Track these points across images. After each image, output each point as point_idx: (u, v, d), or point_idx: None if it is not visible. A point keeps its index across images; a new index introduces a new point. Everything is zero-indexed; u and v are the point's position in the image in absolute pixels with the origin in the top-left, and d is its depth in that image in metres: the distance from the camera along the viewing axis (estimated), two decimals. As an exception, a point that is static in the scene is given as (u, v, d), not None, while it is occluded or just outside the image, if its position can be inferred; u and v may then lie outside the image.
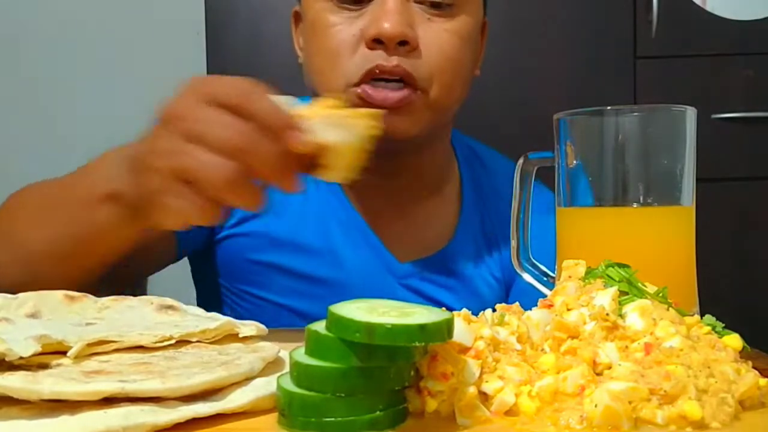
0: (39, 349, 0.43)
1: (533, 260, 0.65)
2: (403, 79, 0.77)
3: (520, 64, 1.70)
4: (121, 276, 0.72)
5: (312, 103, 0.55)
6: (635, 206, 0.58)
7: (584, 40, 1.70)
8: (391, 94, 0.76)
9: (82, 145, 1.92)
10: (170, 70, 2.01)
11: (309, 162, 0.54)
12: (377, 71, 0.76)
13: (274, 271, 0.89)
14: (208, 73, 1.73)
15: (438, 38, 0.79)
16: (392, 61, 0.76)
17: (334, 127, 0.53)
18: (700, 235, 0.61)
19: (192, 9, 1.88)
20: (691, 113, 0.59)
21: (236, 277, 0.91)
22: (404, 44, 0.76)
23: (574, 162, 0.60)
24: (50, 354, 0.45)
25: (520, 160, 0.65)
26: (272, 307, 0.88)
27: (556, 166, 0.62)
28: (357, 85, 0.77)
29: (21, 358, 0.42)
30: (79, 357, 0.45)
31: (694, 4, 1.67)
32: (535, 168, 0.65)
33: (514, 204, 0.65)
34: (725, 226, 1.68)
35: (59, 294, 0.57)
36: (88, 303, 0.58)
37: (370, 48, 0.76)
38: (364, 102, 0.77)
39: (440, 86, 0.79)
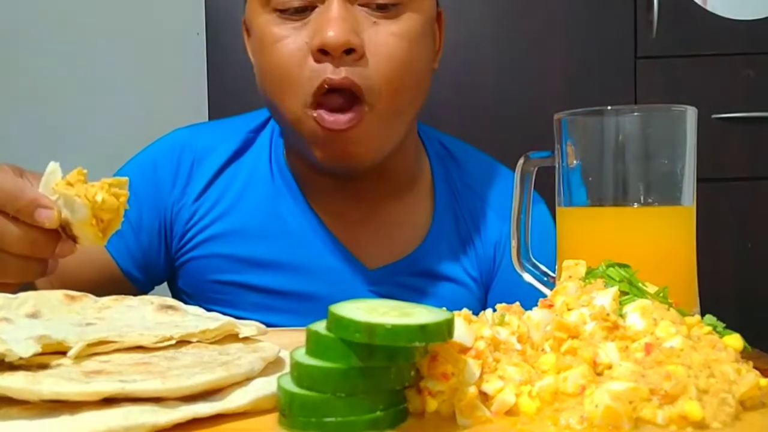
0: (39, 349, 0.43)
1: (533, 260, 0.65)
2: (352, 91, 0.75)
3: (520, 64, 1.70)
4: None
5: (63, 177, 0.59)
6: (635, 206, 0.58)
7: (584, 40, 1.70)
8: (341, 117, 0.75)
9: (82, 145, 1.93)
10: (170, 70, 2.02)
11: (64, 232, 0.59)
12: (326, 86, 0.75)
13: (239, 289, 0.88)
14: (208, 73, 1.73)
15: (385, 43, 0.77)
16: (340, 73, 0.74)
17: (67, 204, 0.57)
18: (700, 235, 0.61)
19: (192, 9, 1.88)
20: (691, 113, 0.59)
21: (203, 297, 0.90)
22: (350, 52, 0.74)
23: (575, 162, 0.60)
24: (50, 354, 0.45)
25: (520, 160, 0.65)
26: None
27: (557, 166, 0.62)
28: (313, 106, 0.76)
29: (21, 358, 0.42)
30: (80, 357, 0.45)
31: (695, 4, 1.67)
32: (536, 168, 0.64)
33: (515, 204, 0.65)
34: (725, 226, 1.68)
35: (59, 293, 0.57)
36: (88, 303, 0.58)
37: (317, 60, 0.75)
38: (320, 126, 0.76)
39: (389, 96, 0.77)
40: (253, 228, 0.88)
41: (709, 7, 1.67)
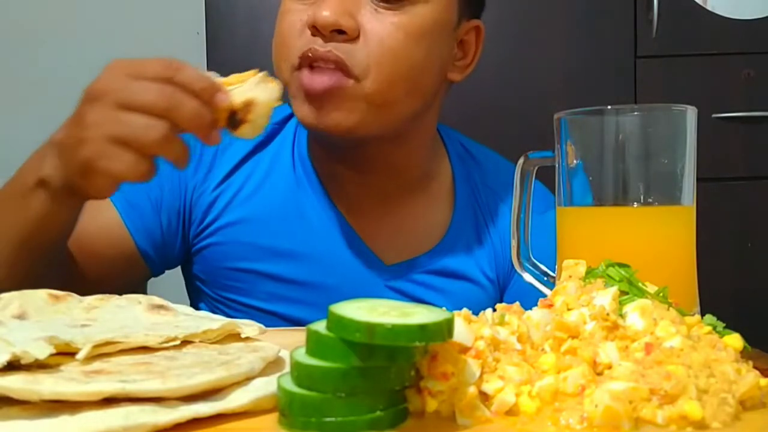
0: (53, 350, 0.43)
1: (533, 260, 0.65)
2: (337, 66, 0.76)
3: (520, 64, 1.70)
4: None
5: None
6: (635, 206, 0.58)
7: (584, 40, 1.70)
8: (318, 79, 0.76)
9: (82, 145, 1.93)
10: (170, 70, 2.02)
11: (228, 121, 0.63)
12: (310, 54, 0.77)
13: (256, 277, 0.88)
14: (208, 72, 1.73)
15: (381, 30, 0.77)
16: (326, 47, 0.76)
17: (259, 85, 0.62)
18: (700, 235, 0.61)
19: (192, 9, 1.88)
20: (691, 113, 0.59)
21: (218, 285, 0.89)
22: (341, 33, 0.76)
23: (575, 161, 0.60)
24: (51, 355, 0.45)
25: (520, 160, 0.64)
26: (257, 314, 0.86)
27: (557, 165, 0.62)
28: (299, 69, 0.78)
29: (36, 360, 0.42)
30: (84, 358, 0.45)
31: (695, 3, 1.67)
32: (535, 168, 0.64)
33: (515, 204, 0.65)
34: (725, 226, 1.68)
35: (43, 293, 0.56)
36: (73, 302, 0.57)
37: (313, 34, 0.77)
38: (302, 87, 0.78)
39: (377, 77, 0.77)
40: (272, 217, 0.88)
41: (709, 7, 1.67)
